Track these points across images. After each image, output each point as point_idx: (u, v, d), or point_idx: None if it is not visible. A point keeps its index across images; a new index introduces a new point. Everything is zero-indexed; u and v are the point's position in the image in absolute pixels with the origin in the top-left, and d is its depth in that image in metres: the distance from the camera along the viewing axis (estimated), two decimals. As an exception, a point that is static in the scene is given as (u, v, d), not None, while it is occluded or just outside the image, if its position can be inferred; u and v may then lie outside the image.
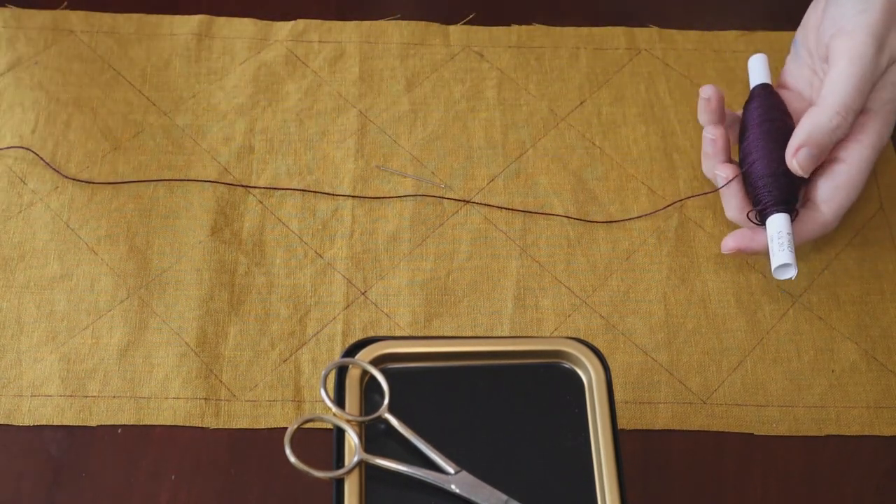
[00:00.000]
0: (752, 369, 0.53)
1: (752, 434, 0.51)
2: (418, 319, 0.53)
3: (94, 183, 0.57)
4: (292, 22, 0.64)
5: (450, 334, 0.53)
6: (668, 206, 0.58)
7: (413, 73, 0.63)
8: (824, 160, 0.53)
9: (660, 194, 0.58)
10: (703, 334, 0.54)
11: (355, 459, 0.39)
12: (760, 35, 0.65)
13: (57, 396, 0.50)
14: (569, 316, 0.54)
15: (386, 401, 0.40)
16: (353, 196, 0.57)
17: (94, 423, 0.50)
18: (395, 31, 0.64)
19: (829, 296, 0.55)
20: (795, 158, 0.51)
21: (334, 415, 0.40)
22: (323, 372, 0.42)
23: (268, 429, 0.50)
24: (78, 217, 0.56)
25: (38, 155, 0.57)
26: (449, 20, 0.65)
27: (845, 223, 0.58)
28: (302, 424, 0.40)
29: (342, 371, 0.41)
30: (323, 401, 0.41)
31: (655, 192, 0.58)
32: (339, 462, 0.39)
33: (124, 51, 0.62)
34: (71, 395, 0.50)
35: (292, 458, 0.38)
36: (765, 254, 0.53)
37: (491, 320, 0.54)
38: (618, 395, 0.51)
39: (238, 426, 0.50)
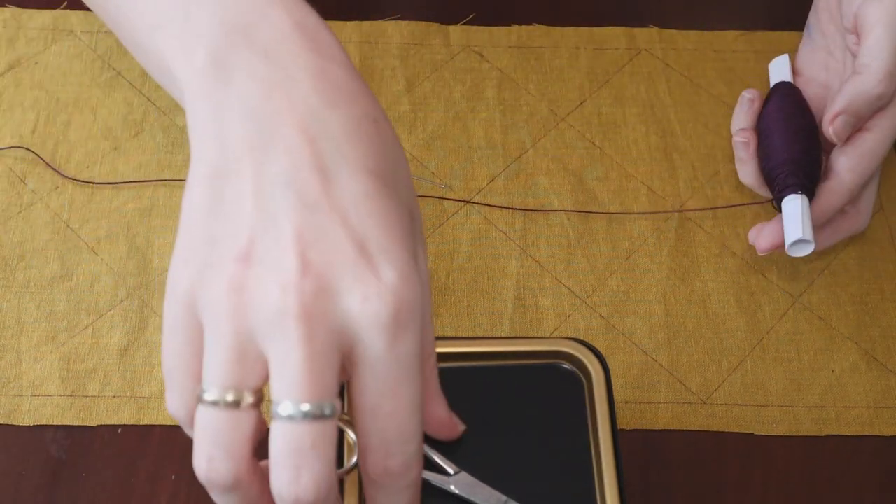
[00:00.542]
0: (752, 369, 0.53)
1: (752, 434, 0.51)
2: (418, 319, 0.53)
3: (94, 183, 0.57)
4: (292, 22, 0.64)
5: (450, 334, 0.53)
6: (722, 206, 0.58)
7: (413, 73, 0.63)
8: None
9: (660, 194, 0.58)
10: (703, 334, 0.54)
11: (354, 460, 0.39)
12: (760, 35, 0.65)
13: (57, 396, 0.50)
14: (569, 316, 0.54)
15: None
16: (353, 196, 0.57)
17: (94, 423, 0.50)
18: (395, 31, 0.64)
19: (829, 296, 0.55)
20: (833, 126, 0.51)
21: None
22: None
23: (268, 428, 0.50)
24: (78, 217, 0.56)
25: (37, 155, 0.57)
26: (449, 20, 0.65)
27: (845, 223, 0.58)
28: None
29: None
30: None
31: (655, 192, 0.58)
32: (339, 462, 0.39)
33: (124, 51, 0.62)
34: (71, 395, 0.50)
35: None
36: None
37: (491, 320, 0.54)
38: (618, 395, 0.51)
39: (238, 426, 0.50)
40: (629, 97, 0.62)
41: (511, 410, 0.41)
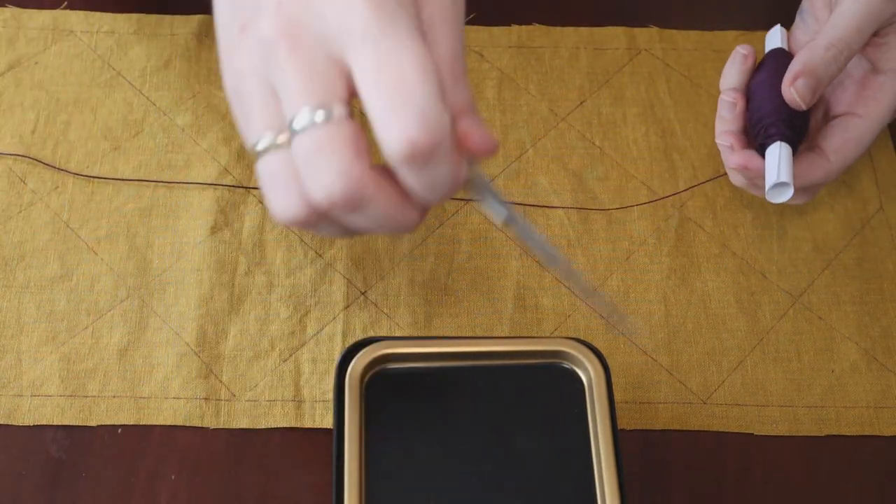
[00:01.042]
0: (752, 369, 0.53)
1: (752, 434, 0.51)
2: (418, 319, 0.53)
3: (95, 178, 0.57)
4: (292, 22, 0.64)
5: (450, 334, 0.53)
6: (668, 196, 0.58)
7: (413, 73, 0.63)
8: (841, 113, 0.53)
9: (660, 194, 0.58)
10: (703, 334, 0.54)
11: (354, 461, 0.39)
12: (760, 35, 0.65)
13: (57, 396, 0.50)
14: (569, 316, 0.54)
15: None
16: (353, 196, 0.57)
17: (94, 423, 0.50)
18: (395, 31, 0.64)
19: (829, 296, 0.55)
20: (793, 87, 0.51)
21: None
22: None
23: (268, 429, 0.50)
24: (78, 217, 0.56)
25: (36, 160, 0.57)
26: (449, 20, 0.65)
27: (845, 223, 0.58)
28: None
29: (342, 371, 0.41)
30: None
31: (655, 192, 0.59)
32: (339, 462, 0.39)
33: (124, 51, 0.62)
34: (71, 395, 0.50)
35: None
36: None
37: (491, 320, 0.54)
38: (618, 395, 0.51)
39: (238, 426, 0.50)
40: (629, 97, 0.62)
41: (511, 410, 0.41)
